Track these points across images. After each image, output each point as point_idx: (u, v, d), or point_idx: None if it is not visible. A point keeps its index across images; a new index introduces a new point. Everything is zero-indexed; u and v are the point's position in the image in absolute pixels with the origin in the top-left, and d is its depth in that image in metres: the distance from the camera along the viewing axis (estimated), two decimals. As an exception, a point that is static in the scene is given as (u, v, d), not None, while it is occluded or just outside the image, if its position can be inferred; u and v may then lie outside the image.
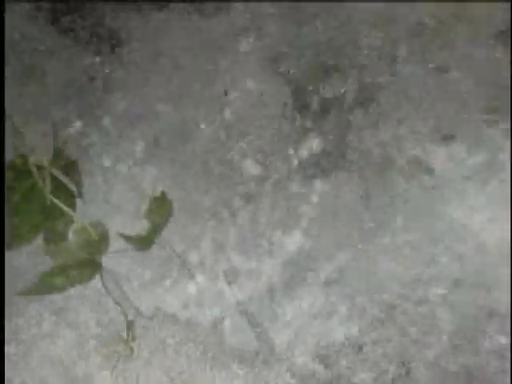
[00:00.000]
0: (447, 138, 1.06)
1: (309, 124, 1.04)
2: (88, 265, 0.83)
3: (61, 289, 0.84)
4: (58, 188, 0.80)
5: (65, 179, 0.79)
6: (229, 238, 0.98)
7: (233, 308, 1.00)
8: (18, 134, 0.76)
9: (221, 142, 1.01)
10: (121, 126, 0.98)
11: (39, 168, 0.80)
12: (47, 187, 0.77)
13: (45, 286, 0.83)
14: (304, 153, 1.01)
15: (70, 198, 0.80)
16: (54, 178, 0.79)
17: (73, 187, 0.78)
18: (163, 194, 0.86)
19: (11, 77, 1.00)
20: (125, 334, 0.90)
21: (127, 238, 0.83)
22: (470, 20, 1.13)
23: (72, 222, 0.82)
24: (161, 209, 0.85)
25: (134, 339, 0.90)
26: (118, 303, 0.89)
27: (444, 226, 1.05)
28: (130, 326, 0.89)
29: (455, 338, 1.04)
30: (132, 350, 0.90)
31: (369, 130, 1.05)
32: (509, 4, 1.20)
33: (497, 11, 1.09)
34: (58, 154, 0.82)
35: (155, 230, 0.85)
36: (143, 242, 0.84)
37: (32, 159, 0.79)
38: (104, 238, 0.82)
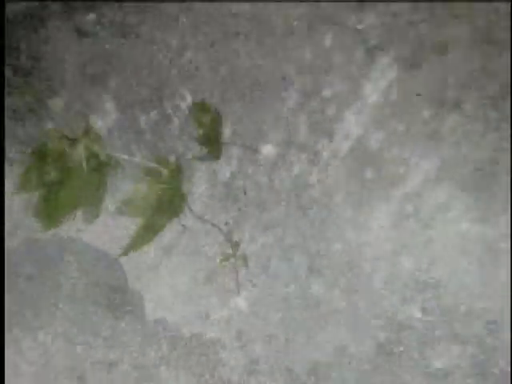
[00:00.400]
0: None
1: None
2: (174, 201, 0.83)
3: (155, 235, 0.84)
4: (93, 160, 0.81)
5: (98, 150, 0.81)
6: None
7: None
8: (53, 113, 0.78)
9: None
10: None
11: (74, 143, 0.82)
12: (83, 159, 0.79)
13: (141, 240, 0.83)
14: None
15: (104, 168, 0.82)
16: (86, 152, 0.81)
17: (104, 156, 0.80)
18: (203, 102, 0.87)
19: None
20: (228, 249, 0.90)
21: (200, 158, 0.84)
22: None
23: (105, 195, 0.84)
24: (205, 116, 0.87)
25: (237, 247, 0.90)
26: (215, 225, 0.88)
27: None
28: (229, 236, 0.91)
29: None
30: (245, 259, 0.90)
31: None
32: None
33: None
34: (87, 130, 0.84)
35: (216, 137, 0.87)
36: (215, 151, 0.87)
37: (66, 134, 0.81)
38: (178, 169, 0.84)
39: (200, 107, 0.86)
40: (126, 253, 0.85)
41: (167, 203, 0.84)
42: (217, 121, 0.85)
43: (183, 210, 0.85)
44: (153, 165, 0.84)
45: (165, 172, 0.83)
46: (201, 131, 0.86)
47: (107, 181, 0.84)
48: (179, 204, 0.85)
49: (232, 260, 0.89)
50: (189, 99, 0.86)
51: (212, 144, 0.86)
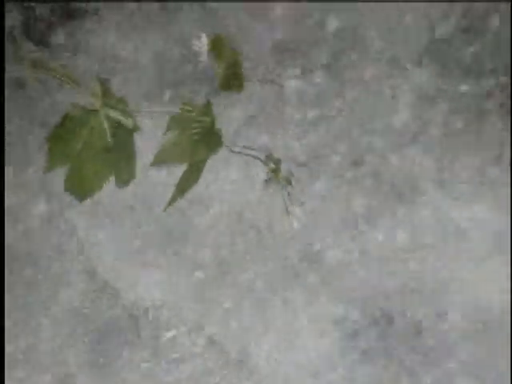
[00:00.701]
0: None
1: None
2: (209, 138, 0.82)
3: (200, 174, 0.84)
4: (115, 127, 0.82)
5: (119, 115, 0.81)
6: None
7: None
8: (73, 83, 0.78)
9: None
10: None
11: (93, 112, 0.82)
12: (105, 128, 0.79)
13: (187, 183, 0.83)
14: None
15: (128, 133, 0.82)
16: (109, 118, 0.81)
17: (129, 122, 0.80)
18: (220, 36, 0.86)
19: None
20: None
21: (220, 86, 0.84)
22: None
23: (135, 157, 0.84)
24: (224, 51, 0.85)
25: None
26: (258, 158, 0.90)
27: None
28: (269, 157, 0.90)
29: None
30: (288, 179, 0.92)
31: None
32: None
33: None
34: (106, 94, 0.84)
35: (236, 70, 0.85)
36: (235, 83, 0.85)
37: (86, 103, 0.81)
38: (206, 107, 0.81)
39: (218, 42, 0.86)
40: (174, 199, 0.86)
41: (202, 143, 0.84)
42: (236, 54, 0.85)
43: (220, 145, 0.86)
44: (179, 110, 0.83)
45: (193, 114, 0.83)
46: (221, 66, 0.86)
47: (134, 143, 0.84)
48: (214, 140, 0.85)
49: (276, 182, 0.89)
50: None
51: (233, 75, 0.85)
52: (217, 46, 0.83)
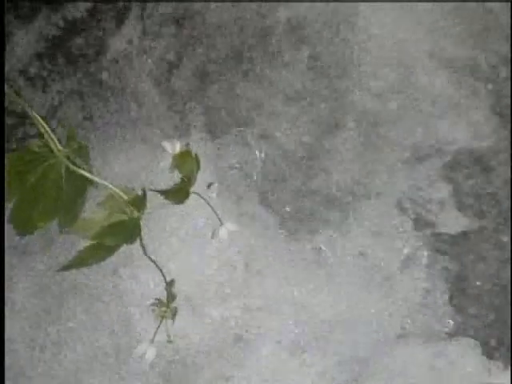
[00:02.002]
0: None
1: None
2: (128, 227, 0.82)
3: (105, 257, 0.83)
4: (72, 172, 0.81)
5: (79, 162, 0.81)
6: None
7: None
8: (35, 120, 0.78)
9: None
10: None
11: (53, 152, 0.82)
12: (62, 170, 0.79)
13: (88, 257, 0.82)
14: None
15: (82, 182, 0.82)
16: (67, 163, 0.81)
17: (86, 171, 0.79)
18: (187, 149, 0.86)
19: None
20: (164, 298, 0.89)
21: (164, 193, 0.83)
22: None
23: (82, 207, 0.84)
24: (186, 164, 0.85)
25: (173, 299, 0.89)
26: (157, 266, 0.88)
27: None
28: (170, 286, 0.89)
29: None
30: (174, 311, 0.89)
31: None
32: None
33: None
34: (70, 139, 0.84)
35: (188, 183, 0.85)
36: (180, 195, 0.85)
37: (46, 143, 0.81)
38: (140, 198, 0.81)
39: (184, 154, 0.86)
40: (67, 267, 0.84)
41: (122, 228, 0.83)
42: (193, 173, 0.86)
43: (136, 239, 0.85)
44: (119, 191, 0.83)
45: (126, 201, 0.83)
46: (180, 174, 0.86)
47: (85, 193, 0.84)
48: (134, 234, 0.84)
49: (163, 309, 0.89)
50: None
51: (182, 189, 0.86)
52: (183, 158, 0.84)
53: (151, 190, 0.82)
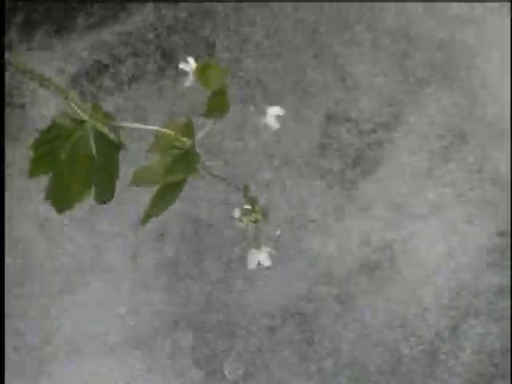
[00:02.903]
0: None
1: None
2: (186, 159, 0.80)
3: (176, 196, 0.82)
4: (101, 141, 0.80)
5: (106, 130, 0.80)
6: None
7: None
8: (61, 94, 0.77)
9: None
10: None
11: (81, 123, 0.81)
12: (91, 140, 0.78)
13: (161, 203, 0.81)
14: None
15: (113, 149, 0.81)
16: (95, 132, 0.80)
17: (114, 137, 0.79)
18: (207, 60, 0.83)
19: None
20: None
21: (205, 113, 0.82)
22: None
23: (117, 174, 0.84)
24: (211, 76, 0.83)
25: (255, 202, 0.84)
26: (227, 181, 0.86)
27: None
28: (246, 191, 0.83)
29: None
30: (265, 212, 0.84)
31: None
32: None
33: None
34: (95, 108, 0.83)
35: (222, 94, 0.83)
36: (220, 108, 0.83)
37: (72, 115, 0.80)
38: (187, 126, 0.80)
39: (205, 67, 0.84)
40: (146, 218, 0.84)
41: (181, 162, 0.82)
42: (222, 81, 0.83)
43: (198, 168, 0.84)
44: (163, 129, 0.82)
45: (176, 134, 0.82)
46: (208, 90, 0.84)
47: (118, 159, 0.83)
48: (193, 162, 0.83)
49: (252, 215, 0.86)
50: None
51: (218, 101, 0.84)
52: (204, 71, 0.82)
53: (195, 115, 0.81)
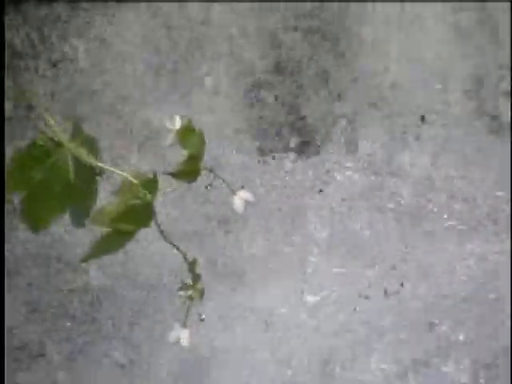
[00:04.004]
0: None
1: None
2: (142, 211, 0.80)
3: (122, 245, 0.82)
4: (80, 165, 0.80)
5: (85, 155, 0.79)
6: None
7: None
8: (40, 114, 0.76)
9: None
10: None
11: (59, 146, 0.80)
12: (69, 164, 0.77)
13: (105, 246, 0.81)
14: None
15: (91, 174, 0.80)
16: (74, 156, 0.79)
17: (94, 163, 0.78)
18: (188, 123, 0.84)
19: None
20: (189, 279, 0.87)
21: (175, 174, 0.83)
22: None
23: (95, 200, 0.82)
24: (191, 139, 0.84)
25: (198, 280, 0.87)
26: (175, 246, 0.86)
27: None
28: (192, 266, 0.86)
29: None
30: (202, 292, 0.87)
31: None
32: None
33: None
34: (76, 132, 0.82)
35: (196, 159, 0.84)
36: (190, 174, 0.84)
37: (52, 137, 0.79)
38: (151, 181, 0.80)
39: (186, 129, 0.84)
40: (87, 259, 0.83)
41: (135, 213, 0.82)
42: (202, 146, 0.84)
43: (150, 222, 0.83)
44: (130, 177, 0.82)
45: (139, 186, 0.81)
46: (186, 152, 0.84)
47: (97, 184, 0.82)
48: (147, 216, 0.83)
49: (189, 292, 0.87)
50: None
51: (191, 166, 0.84)
52: (185, 133, 0.82)
53: (162, 173, 0.81)
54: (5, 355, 1.11)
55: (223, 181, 0.88)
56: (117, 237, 0.81)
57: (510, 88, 1.28)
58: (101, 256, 0.81)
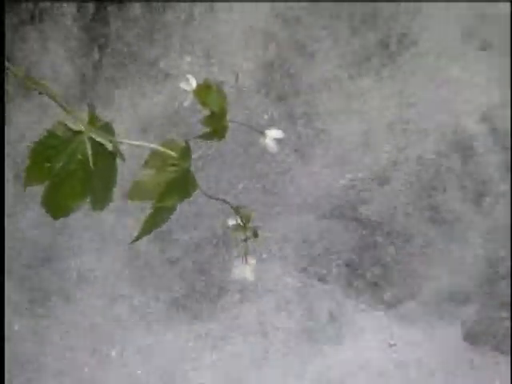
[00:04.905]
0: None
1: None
2: (182, 183, 0.80)
3: (168, 218, 0.82)
4: (98, 151, 0.80)
5: (103, 140, 0.79)
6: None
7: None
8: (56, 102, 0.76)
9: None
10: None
11: (77, 133, 0.80)
12: (88, 150, 0.78)
13: (154, 222, 0.81)
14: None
15: (110, 158, 0.81)
16: (93, 142, 0.80)
17: (111, 147, 0.78)
18: (206, 81, 0.83)
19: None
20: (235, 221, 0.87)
21: (204, 136, 0.82)
22: None
23: (115, 183, 0.84)
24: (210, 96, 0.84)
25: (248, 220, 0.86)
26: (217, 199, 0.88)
27: None
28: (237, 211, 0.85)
29: None
30: (255, 231, 0.86)
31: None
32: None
33: None
34: (92, 118, 0.83)
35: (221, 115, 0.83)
36: (219, 131, 0.83)
37: (70, 124, 0.79)
38: (185, 149, 0.79)
39: (203, 87, 0.84)
40: (139, 237, 0.85)
41: (177, 185, 0.83)
42: (222, 102, 0.83)
43: (194, 190, 0.84)
44: (160, 148, 0.82)
45: (173, 154, 0.82)
46: (206, 111, 0.84)
47: (116, 169, 0.83)
48: (189, 185, 0.84)
49: (243, 233, 0.86)
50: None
51: (217, 123, 0.84)
52: (203, 92, 0.82)
53: (192, 138, 0.81)
54: (5, 355, 1.12)
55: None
56: (161, 212, 0.82)
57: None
58: (150, 232, 0.82)
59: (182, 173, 0.80)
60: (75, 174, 0.80)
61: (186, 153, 0.80)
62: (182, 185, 0.80)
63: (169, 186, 0.80)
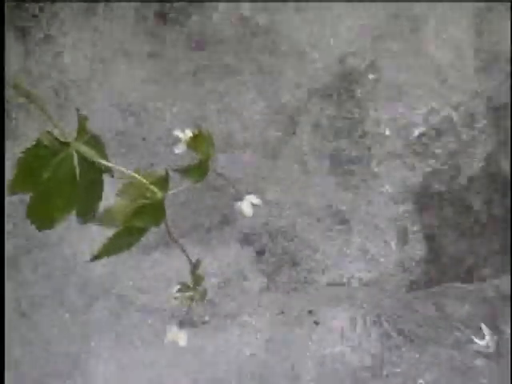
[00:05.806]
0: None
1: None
2: (152, 210, 0.81)
3: (132, 243, 0.82)
4: (85, 164, 0.79)
5: (90, 153, 0.79)
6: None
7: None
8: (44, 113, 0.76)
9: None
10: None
11: (65, 145, 0.79)
12: (75, 162, 0.77)
13: (116, 245, 0.80)
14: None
15: (97, 172, 0.80)
16: (80, 154, 0.79)
17: (99, 160, 0.78)
18: (200, 131, 0.86)
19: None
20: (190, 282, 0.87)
21: (184, 171, 0.83)
22: None
23: (101, 197, 0.83)
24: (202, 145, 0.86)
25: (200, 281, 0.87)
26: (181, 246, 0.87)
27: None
28: (195, 268, 0.86)
29: None
30: (204, 294, 0.87)
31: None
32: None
33: None
34: (81, 129, 0.82)
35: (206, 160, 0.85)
36: (198, 172, 0.85)
37: (58, 135, 0.79)
38: (163, 179, 0.80)
39: (199, 138, 0.85)
40: (98, 257, 0.83)
41: (146, 210, 0.82)
42: (209, 153, 0.85)
43: (162, 218, 0.83)
44: (138, 177, 0.82)
45: (149, 185, 0.82)
46: (197, 157, 0.85)
47: (102, 183, 0.82)
48: (159, 214, 0.83)
49: (190, 293, 0.88)
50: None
51: (201, 167, 0.85)
52: (197, 142, 0.83)
53: (172, 169, 0.81)
54: (4, 354, 1.11)
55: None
56: (127, 235, 0.81)
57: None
58: (111, 255, 0.81)
59: (154, 202, 0.80)
60: (61, 186, 0.80)
61: (163, 183, 0.81)
62: (151, 211, 0.80)
63: (138, 209, 0.79)
